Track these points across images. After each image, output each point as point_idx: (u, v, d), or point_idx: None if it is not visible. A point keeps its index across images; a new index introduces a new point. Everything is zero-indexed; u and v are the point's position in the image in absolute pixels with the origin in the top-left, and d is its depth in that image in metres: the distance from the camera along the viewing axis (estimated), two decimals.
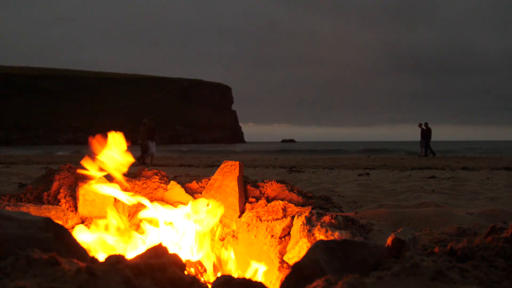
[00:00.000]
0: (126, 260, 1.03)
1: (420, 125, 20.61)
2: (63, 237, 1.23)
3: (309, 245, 1.89)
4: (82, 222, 2.53)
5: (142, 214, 2.40)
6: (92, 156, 2.40)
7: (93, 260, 1.09)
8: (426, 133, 20.25)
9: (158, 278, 1.02)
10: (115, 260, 1.01)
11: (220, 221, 2.59)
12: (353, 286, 0.97)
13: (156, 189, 2.78)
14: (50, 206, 2.51)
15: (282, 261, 2.10)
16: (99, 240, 2.05)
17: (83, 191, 2.56)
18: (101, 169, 2.41)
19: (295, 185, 2.90)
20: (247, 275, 2.09)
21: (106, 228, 2.27)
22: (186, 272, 1.14)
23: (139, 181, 2.80)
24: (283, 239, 2.23)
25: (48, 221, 1.23)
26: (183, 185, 2.77)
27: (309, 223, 1.98)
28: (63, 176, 2.79)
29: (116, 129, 2.49)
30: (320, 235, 1.87)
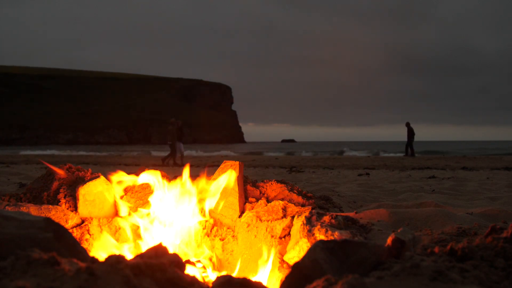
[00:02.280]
0: (126, 260, 1.03)
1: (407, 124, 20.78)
2: (63, 237, 1.23)
3: (309, 245, 1.89)
4: (82, 222, 2.53)
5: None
6: None
7: (93, 260, 1.09)
8: (408, 133, 20.46)
9: (158, 278, 1.02)
10: (115, 260, 1.01)
11: (220, 221, 2.59)
12: (353, 286, 0.97)
13: None
14: (50, 206, 2.51)
15: (282, 261, 2.10)
16: None
17: (83, 191, 2.56)
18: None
19: (295, 185, 2.90)
20: (247, 275, 2.09)
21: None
22: (186, 272, 1.14)
23: None
24: (283, 239, 2.23)
25: (48, 221, 1.22)
26: None
27: (309, 223, 1.98)
28: (63, 176, 2.79)
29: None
30: (320, 235, 1.87)
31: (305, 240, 1.93)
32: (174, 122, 15.77)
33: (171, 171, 9.98)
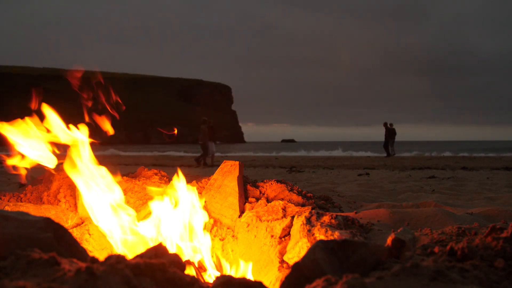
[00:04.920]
0: (126, 260, 1.03)
1: (391, 125, 20.77)
2: (63, 237, 1.23)
3: (309, 245, 1.89)
4: (82, 222, 2.53)
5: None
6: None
7: (93, 260, 1.09)
8: (386, 133, 20.49)
9: (158, 278, 1.02)
10: (115, 260, 1.01)
11: (220, 221, 2.59)
12: (353, 286, 0.97)
13: None
14: (50, 206, 2.51)
15: (282, 261, 2.10)
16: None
17: None
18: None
19: (295, 185, 2.90)
20: (247, 275, 2.09)
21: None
22: (186, 272, 1.14)
23: (138, 181, 2.80)
24: (283, 239, 2.23)
25: (48, 221, 1.22)
26: None
27: (309, 223, 1.98)
28: (63, 176, 2.79)
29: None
30: (320, 235, 1.87)
31: (305, 240, 1.93)
32: (206, 121, 15.30)
33: (171, 171, 9.97)
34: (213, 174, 2.77)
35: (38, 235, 1.18)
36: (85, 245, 2.43)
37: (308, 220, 1.99)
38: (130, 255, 1.83)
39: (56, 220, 1.25)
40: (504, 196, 3.79)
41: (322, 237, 1.85)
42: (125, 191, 2.72)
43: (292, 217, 2.25)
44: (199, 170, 11.95)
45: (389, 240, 1.33)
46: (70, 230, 2.39)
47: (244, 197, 2.70)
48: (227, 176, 2.68)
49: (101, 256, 1.70)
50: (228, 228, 2.55)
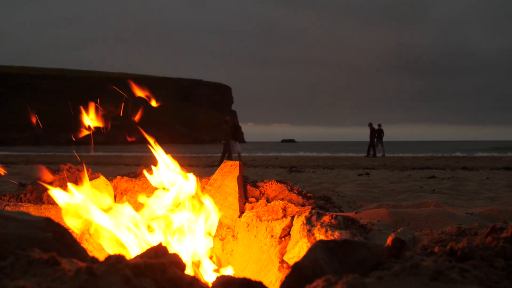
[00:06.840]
0: (126, 260, 1.03)
1: (379, 125, 20.98)
2: (63, 237, 1.23)
3: (309, 245, 1.89)
4: None
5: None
6: None
7: (93, 260, 1.09)
8: (378, 133, 20.72)
9: (158, 278, 1.02)
10: (115, 260, 1.01)
11: (220, 221, 2.59)
12: (353, 286, 0.97)
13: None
14: (50, 206, 2.51)
15: (282, 261, 2.10)
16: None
17: None
18: None
19: (295, 185, 2.90)
20: (247, 275, 2.09)
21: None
22: (186, 272, 1.14)
23: (139, 181, 2.80)
24: (283, 239, 2.23)
25: (48, 221, 1.23)
26: None
27: (309, 223, 1.98)
28: (63, 176, 2.79)
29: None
30: (320, 235, 1.87)
31: (305, 240, 1.93)
32: (228, 121, 14.97)
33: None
34: (213, 174, 2.77)
35: (38, 235, 1.18)
36: (85, 245, 2.43)
37: (308, 220, 1.99)
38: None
39: (56, 220, 1.25)
40: (504, 196, 3.78)
41: (322, 237, 1.85)
42: (125, 191, 2.72)
43: (292, 217, 2.24)
44: (200, 170, 11.95)
45: (389, 240, 1.33)
46: (70, 230, 2.38)
47: (244, 197, 2.70)
48: (227, 176, 2.68)
49: (101, 256, 1.70)
50: (228, 228, 2.55)
